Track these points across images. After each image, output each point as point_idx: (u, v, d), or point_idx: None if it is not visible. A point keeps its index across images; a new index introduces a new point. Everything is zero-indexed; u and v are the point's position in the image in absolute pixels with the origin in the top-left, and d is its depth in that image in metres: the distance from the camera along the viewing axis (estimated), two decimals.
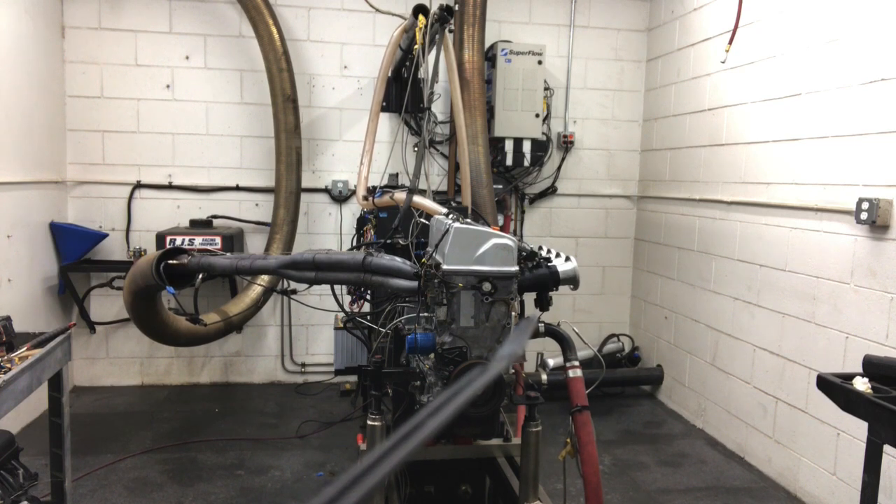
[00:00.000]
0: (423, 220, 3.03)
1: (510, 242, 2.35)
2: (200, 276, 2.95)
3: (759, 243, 4.58)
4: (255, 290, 5.32)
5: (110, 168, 5.67)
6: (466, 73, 5.03)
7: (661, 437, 5.16)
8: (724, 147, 5.01)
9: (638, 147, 6.40)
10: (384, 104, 4.67)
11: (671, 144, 5.81)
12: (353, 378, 5.30)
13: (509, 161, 5.79)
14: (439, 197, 5.13)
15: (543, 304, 2.57)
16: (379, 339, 2.93)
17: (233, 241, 5.29)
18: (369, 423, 2.50)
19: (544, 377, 2.76)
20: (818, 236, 4.01)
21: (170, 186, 5.75)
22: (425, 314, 2.41)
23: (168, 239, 5.05)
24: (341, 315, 3.60)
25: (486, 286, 2.31)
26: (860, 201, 3.59)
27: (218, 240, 5.14)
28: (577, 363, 2.59)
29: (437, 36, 3.83)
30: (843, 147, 3.83)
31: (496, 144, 5.76)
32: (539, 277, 2.51)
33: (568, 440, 2.52)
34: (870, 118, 3.62)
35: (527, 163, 5.85)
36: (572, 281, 2.54)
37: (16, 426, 4.59)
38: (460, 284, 2.30)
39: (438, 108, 5.87)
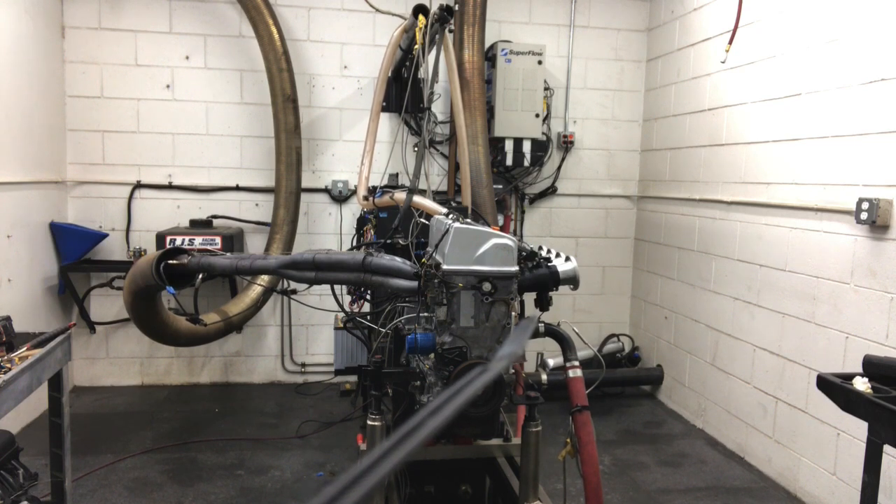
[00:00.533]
0: (423, 220, 3.03)
1: (510, 242, 2.35)
2: (200, 276, 2.95)
3: (759, 243, 4.58)
4: (255, 290, 5.32)
5: (110, 168, 5.67)
6: (466, 73, 5.03)
7: (661, 437, 5.16)
8: (724, 147, 5.01)
9: (638, 147, 6.40)
10: (384, 104, 4.66)
11: (671, 144, 5.81)
12: (353, 378, 5.30)
13: (509, 161, 5.79)
14: (439, 197, 5.13)
15: (543, 304, 2.57)
16: (379, 339, 2.93)
17: (233, 241, 5.29)
18: (369, 423, 2.50)
19: (544, 377, 2.75)
20: (818, 236, 4.01)
21: (170, 186, 5.75)
22: (425, 314, 2.41)
23: (168, 239, 5.05)
24: (341, 315, 3.60)
25: (486, 286, 2.31)
26: (860, 201, 3.59)
27: (218, 240, 5.13)
28: (577, 363, 2.59)
29: (437, 36, 3.83)
30: (843, 147, 3.83)
31: (496, 144, 5.76)
32: (539, 277, 2.51)
33: (568, 440, 2.52)
34: (870, 118, 3.62)
35: (527, 163, 5.85)
36: (572, 281, 2.54)
37: (16, 426, 4.59)
38: (460, 284, 2.30)
39: (438, 108, 5.87)
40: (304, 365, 6.10)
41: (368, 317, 3.33)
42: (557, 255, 2.64)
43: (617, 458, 4.71)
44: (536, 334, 2.59)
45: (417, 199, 3.09)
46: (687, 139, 5.54)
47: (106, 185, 5.67)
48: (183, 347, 5.65)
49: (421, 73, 3.98)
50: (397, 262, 2.44)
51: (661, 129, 5.99)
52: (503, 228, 5.88)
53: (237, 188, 5.85)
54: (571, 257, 2.60)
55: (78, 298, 5.50)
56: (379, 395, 2.55)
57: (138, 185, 5.70)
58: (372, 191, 3.78)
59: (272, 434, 4.91)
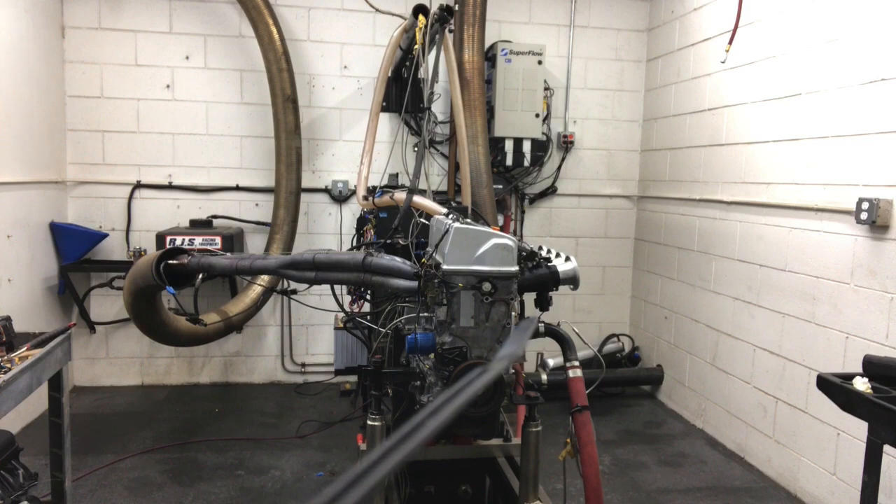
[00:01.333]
0: (423, 220, 3.03)
1: (510, 242, 2.35)
2: (200, 276, 2.95)
3: (759, 243, 4.58)
4: (255, 290, 5.32)
5: (110, 168, 5.68)
6: (466, 73, 5.02)
7: (661, 437, 5.15)
8: (724, 147, 5.00)
9: (638, 147, 6.40)
10: (384, 104, 4.66)
11: (671, 144, 5.81)
12: (353, 378, 5.30)
13: (509, 161, 5.79)
14: (439, 197, 5.13)
15: (543, 304, 2.57)
16: (379, 339, 2.93)
17: (233, 241, 5.28)
18: (369, 423, 2.50)
19: (544, 377, 2.75)
20: (818, 236, 4.01)
21: (170, 186, 5.75)
22: (425, 314, 2.40)
23: (168, 239, 5.05)
24: (341, 315, 3.60)
25: (486, 286, 2.31)
26: (860, 201, 3.59)
27: (218, 240, 5.13)
28: (577, 363, 2.58)
29: (437, 36, 3.82)
30: (843, 147, 3.83)
31: (496, 144, 5.76)
32: (539, 277, 2.50)
33: (568, 440, 2.52)
34: (870, 118, 3.62)
35: (527, 163, 5.85)
36: (572, 281, 2.54)
37: (16, 426, 4.59)
38: (460, 284, 2.30)
39: (438, 108, 5.88)
40: (304, 365, 6.10)
41: (368, 317, 3.33)
42: (557, 255, 2.64)
43: (617, 458, 4.71)
44: (536, 334, 2.59)
45: (417, 199, 3.08)
46: (687, 139, 5.54)
47: (106, 185, 5.67)
48: (183, 347, 5.65)
49: (421, 73, 3.98)
50: (397, 262, 2.44)
51: (661, 129, 5.99)
52: (503, 228, 5.88)
53: (237, 188, 5.85)
54: (571, 257, 2.59)
55: (78, 298, 5.50)
56: (379, 395, 2.55)
57: (138, 185, 5.70)
58: (371, 191, 3.78)
59: (272, 434, 4.91)
